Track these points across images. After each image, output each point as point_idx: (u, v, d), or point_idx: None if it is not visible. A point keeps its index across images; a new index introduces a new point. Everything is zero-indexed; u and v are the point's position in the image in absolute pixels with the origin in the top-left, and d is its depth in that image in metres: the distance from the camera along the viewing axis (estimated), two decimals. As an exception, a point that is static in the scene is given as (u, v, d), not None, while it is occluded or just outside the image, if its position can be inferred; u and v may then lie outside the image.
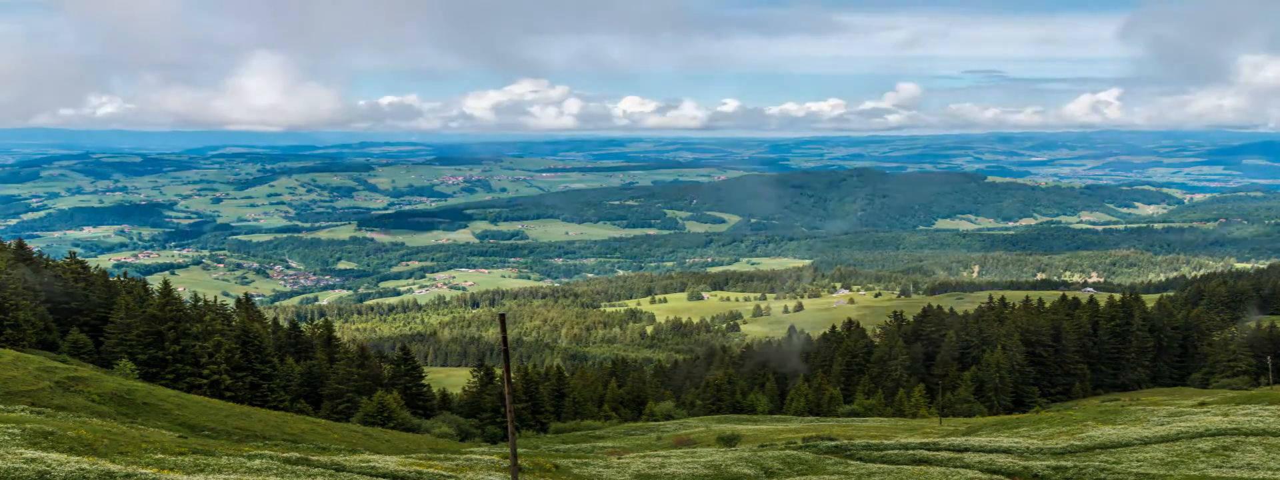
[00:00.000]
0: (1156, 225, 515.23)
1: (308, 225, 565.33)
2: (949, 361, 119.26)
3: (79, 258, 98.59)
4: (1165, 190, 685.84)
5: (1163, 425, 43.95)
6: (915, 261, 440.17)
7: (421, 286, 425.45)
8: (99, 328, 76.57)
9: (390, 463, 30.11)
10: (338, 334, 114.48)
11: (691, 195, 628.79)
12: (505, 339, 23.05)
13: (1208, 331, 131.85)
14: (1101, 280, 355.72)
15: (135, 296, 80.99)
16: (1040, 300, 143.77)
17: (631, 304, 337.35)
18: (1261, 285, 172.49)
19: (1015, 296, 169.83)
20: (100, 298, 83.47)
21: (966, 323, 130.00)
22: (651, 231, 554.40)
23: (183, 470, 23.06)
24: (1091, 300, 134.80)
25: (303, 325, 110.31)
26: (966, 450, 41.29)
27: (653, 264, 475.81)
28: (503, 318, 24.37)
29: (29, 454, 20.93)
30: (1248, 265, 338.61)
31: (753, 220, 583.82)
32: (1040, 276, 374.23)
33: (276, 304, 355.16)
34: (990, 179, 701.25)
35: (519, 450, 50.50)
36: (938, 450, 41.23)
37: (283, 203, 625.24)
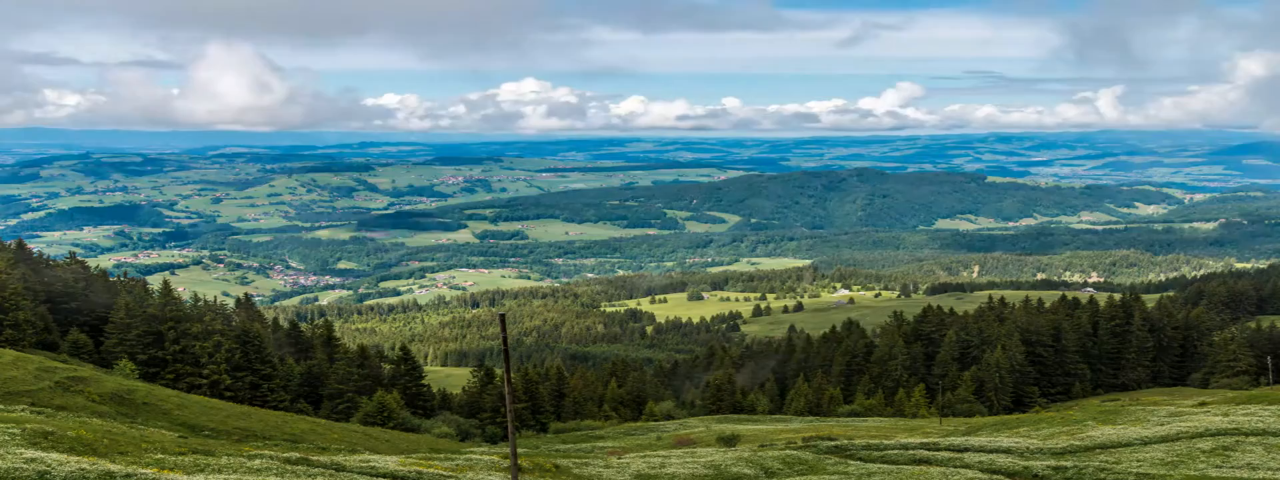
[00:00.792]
0: (1156, 225, 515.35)
1: (308, 225, 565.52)
2: (949, 361, 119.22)
3: (79, 258, 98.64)
4: (1165, 190, 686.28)
5: (1163, 425, 43.95)
6: (915, 261, 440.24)
7: (421, 286, 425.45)
8: (99, 328, 76.54)
9: (390, 463, 30.10)
10: (338, 334, 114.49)
11: (691, 195, 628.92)
12: (505, 339, 23.05)
13: (1208, 331, 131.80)
14: (1101, 280, 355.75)
15: (135, 296, 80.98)
16: (1040, 300, 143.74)
17: (631, 304, 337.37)
18: (1261, 285, 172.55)
19: (1015, 296, 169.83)
20: (100, 298, 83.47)
21: (966, 323, 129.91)
22: (651, 231, 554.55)
23: (183, 470, 23.06)
24: (1091, 300, 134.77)
25: (303, 325, 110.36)
26: (966, 450, 41.28)
27: (653, 264, 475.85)
28: (503, 318, 24.37)
29: (29, 454, 20.93)
30: (1248, 265, 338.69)
31: (753, 220, 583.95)
32: (1040, 276, 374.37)
33: (276, 304, 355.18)
34: (990, 179, 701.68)
35: (519, 450, 50.51)
36: (938, 450, 41.23)
37: (283, 203, 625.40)
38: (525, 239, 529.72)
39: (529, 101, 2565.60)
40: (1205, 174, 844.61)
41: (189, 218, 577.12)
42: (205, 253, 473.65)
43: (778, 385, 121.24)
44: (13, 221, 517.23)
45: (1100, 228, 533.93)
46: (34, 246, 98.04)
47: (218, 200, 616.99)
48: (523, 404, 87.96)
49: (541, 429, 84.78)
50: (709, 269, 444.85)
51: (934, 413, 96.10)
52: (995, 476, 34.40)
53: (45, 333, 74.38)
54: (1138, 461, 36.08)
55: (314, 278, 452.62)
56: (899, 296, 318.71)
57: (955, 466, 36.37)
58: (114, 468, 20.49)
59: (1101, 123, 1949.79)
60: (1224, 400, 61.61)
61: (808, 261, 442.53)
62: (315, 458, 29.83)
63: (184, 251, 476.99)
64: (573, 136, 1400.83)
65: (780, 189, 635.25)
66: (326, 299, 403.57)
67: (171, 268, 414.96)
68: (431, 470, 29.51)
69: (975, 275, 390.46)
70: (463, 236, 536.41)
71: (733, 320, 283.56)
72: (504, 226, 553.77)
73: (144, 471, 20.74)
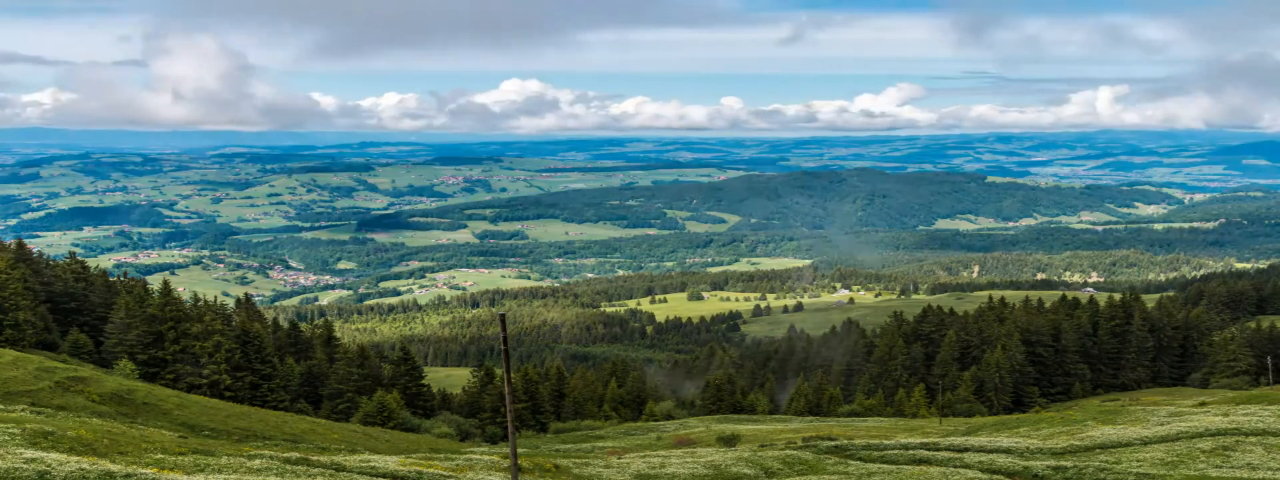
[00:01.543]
0: (1156, 225, 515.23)
1: (308, 225, 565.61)
2: (949, 361, 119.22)
3: (79, 258, 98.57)
4: (1165, 190, 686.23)
5: (1163, 425, 43.95)
6: (915, 261, 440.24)
7: (421, 286, 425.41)
8: (99, 328, 76.51)
9: (390, 463, 30.11)
10: (338, 334, 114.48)
11: (691, 195, 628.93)
12: (505, 339, 23.04)
13: (1208, 331, 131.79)
14: (1101, 280, 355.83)
15: (135, 296, 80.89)
16: (1040, 300, 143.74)
17: (631, 304, 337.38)
18: (1261, 285, 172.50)
19: (1015, 296, 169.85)
20: (100, 298, 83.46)
21: (966, 323, 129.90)
22: (651, 231, 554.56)
23: (183, 470, 23.06)
24: (1091, 300, 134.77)
25: (303, 325, 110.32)
26: (966, 450, 41.28)
27: (653, 264, 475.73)
28: (503, 318, 24.37)
29: (29, 454, 20.93)
30: (1248, 265, 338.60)
31: (753, 220, 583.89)
32: (1040, 276, 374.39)
33: (276, 304, 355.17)
34: (990, 179, 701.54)
35: (519, 450, 50.51)
36: (938, 450, 41.23)
37: (283, 203, 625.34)
38: (525, 239, 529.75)
39: (529, 101, 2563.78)
40: (1205, 174, 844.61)
41: (189, 218, 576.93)
42: (205, 253, 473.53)
43: (778, 385, 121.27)
44: (13, 221, 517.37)
45: (1100, 228, 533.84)
46: (34, 246, 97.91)
47: (218, 200, 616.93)
48: (523, 404, 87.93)
49: (541, 429, 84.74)
50: (709, 269, 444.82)
51: (934, 413, 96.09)
52: (995, 476, 34.39)
53: (45, 333, 74.35)
54: (1138, 461, 36.07)
55: (314, 278, 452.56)
56: (899, 296, 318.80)
57: (955, 466, 36.37)
58: (114, 468, 20.49)
59: (1101, 123, 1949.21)
60: (1224, 400, 61.63)
61: (808, 261, 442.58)
62: (315, 458, 29.83)
63: (184, 251, 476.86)
64: (573, 136, 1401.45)
65: (780, 189, 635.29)
66: (326, 299, 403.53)
67: (171, 268, 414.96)
68: (432, 470, 29.51)
69: (975, 275, 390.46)
70: (463, 236, 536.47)
71: (733, 320, 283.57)
72: (504, 226, 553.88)
73: (144, 471, 20.74)
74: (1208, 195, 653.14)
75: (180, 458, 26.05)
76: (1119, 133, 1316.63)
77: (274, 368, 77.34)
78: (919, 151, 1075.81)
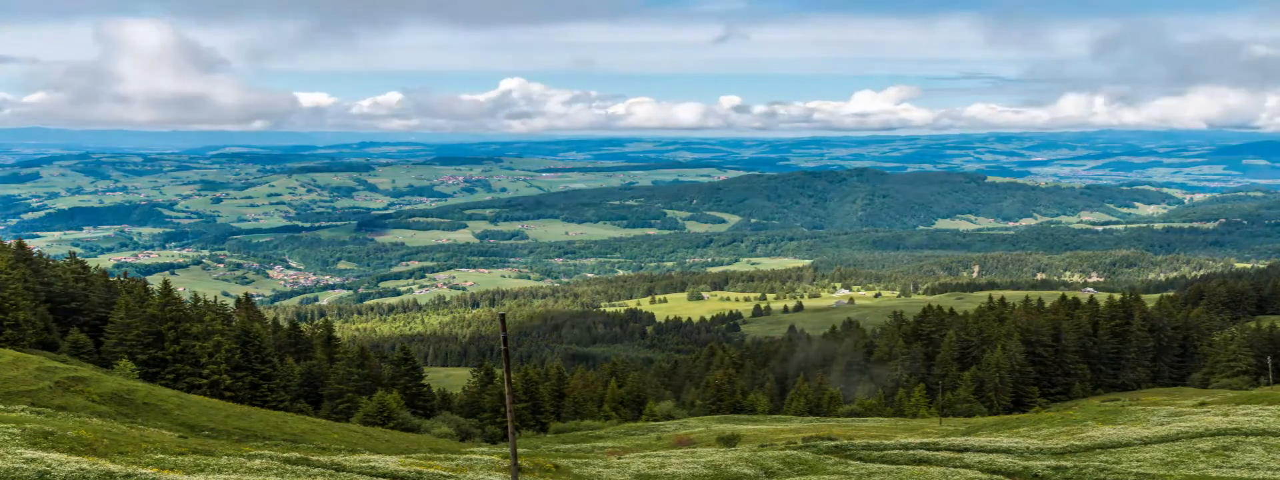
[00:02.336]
0: (1156, 225, 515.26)
1: (308, 225, 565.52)
2: (949, 361, 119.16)
3: (79, 258, 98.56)
4: (1165, 190, 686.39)
5: (1163, 425, 43.96)
6: (915, 261, 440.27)
7: (421, 286, 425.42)
8: (99, 328, 76.50)
9: (390, 463, 30.10)
10: (338, 334, 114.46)
11: (691, 195, 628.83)
12: (505, 339, 23.03)
13: (1208, 331, 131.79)
14: (1101, 280, 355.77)
15: (135, 296, 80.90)
16: (1040, 300, 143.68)
17: (631, 304, 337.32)
18: (1261, 285, 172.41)
19: (1015, 296, 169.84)
20: (100, 298, 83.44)
21: (966, 323, 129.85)
22: (651, 231, 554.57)
23: (183, 470, 23.06)
24: (1091, 300, 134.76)
25: (303, 325, 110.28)
26: (966, 450, 41.29)
27: (653, 264, 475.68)
28: (503, 318, 24.36)
29: (29, 454, 20.93)
30: (1248, 265, 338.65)
31: (753, 220, 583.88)
32: (1040, 276, 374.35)
33: (276, 304, 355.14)
34: (990, 179, 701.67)
35: (519, 450, 50.51)
36: (938, 450, 41.23)
37: (283, 203, 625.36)
38: (525, 239, 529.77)
39: (529, 101, 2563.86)
40: (1205, 174, 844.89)
41: (189, 218, 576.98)
42: (205, 253, 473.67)
43: (778, 385, 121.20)
44: (13, 221, 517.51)
45: (1100, 228, 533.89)
46: (34, 246, 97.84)
47: (218, 200, 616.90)
48: (523, 404, 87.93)
49: (541, 429, 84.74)
50: (709, 269, 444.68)
51: (934, 413, 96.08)
52: (995, 476, 34.40)
53: (45, 333, 74.33)
54: (1138, 461, 36.08)
55: (314, 278, 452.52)
56: (899, 296, 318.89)
57: (955, 466, 36.37)
58: (114, 468, 20.49)
59: (1101, 123, 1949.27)
60: (1224, 400, 61.66)
61: (808, 261, 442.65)
62: (315, 458, 29.83)
63: (184, 251, 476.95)
64: (573, 136, 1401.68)
65: (780, 189, 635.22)
66: (326, 299, 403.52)
67: (171, 268, 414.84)
68: (431, 470, 29.51)
69: (975, 275, 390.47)
70: (463, 236, 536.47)
71: (733, 320, 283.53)
72: (504, 226, 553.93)
73: (144, 471, 20.74)
74: (1208, 195, 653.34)
75: (180, 458, 26.05)
76: (1119, 133, 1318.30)
77: (274, 368, 77.34)
78: (918, 151, 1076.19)
